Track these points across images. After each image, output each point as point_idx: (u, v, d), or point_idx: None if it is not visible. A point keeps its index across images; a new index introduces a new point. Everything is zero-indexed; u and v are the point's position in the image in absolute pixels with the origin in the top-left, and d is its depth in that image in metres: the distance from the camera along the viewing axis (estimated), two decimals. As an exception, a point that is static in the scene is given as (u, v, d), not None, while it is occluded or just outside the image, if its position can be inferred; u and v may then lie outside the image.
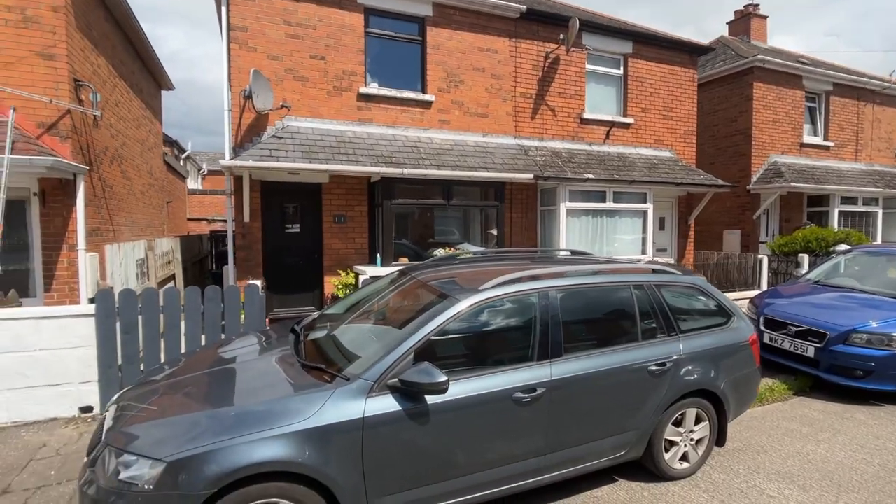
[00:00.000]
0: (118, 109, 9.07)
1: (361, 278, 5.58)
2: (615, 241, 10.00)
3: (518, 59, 9.61)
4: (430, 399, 2.81)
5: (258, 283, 5.31)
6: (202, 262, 15.51)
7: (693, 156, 11.68)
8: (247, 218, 7.70)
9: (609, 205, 9.81)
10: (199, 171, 28.33)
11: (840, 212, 13.00)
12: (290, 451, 2.50)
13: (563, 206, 9.32)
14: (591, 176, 9.20)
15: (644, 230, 10.25)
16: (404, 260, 8.13)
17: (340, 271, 8.22)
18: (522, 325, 3.30)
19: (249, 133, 7.72)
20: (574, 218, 9.48)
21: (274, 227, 8.14)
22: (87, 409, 4.69)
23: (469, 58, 9.16)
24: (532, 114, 9.84)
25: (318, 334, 3.69)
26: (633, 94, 10.82)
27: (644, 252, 10.30)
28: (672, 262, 10.81)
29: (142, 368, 4.78)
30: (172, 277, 10.82)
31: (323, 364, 3.02)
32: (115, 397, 3.19)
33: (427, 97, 8.80)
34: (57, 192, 6.70)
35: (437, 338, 2.97)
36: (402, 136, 8.59)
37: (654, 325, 3.66)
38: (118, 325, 4.66)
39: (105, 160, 8.23)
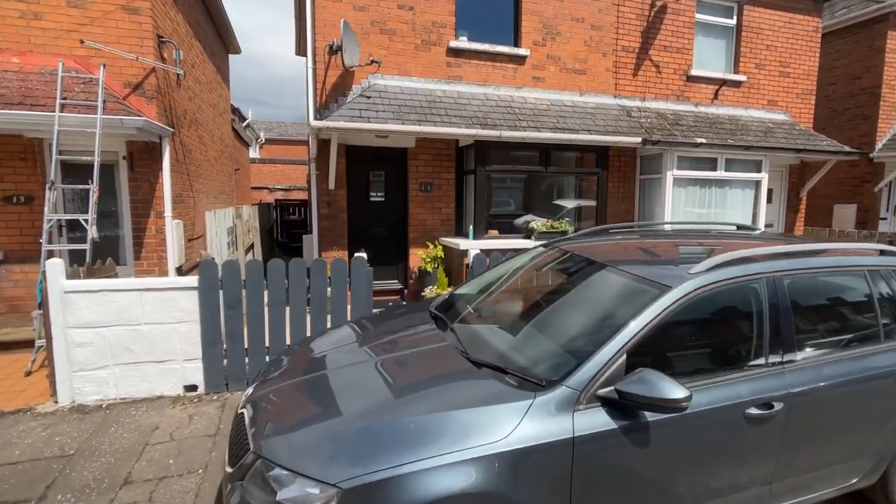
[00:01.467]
0: (194, 71, 8.72)
1: (472, 254, 4.99)
2: (724, 215, 8.94)
3: (621, 6, 8.51)
4: (651, 415, 2.17)
5: (363, 255, 4.80)
6: (269, 231, 15.48)
7: (810, 119, 10.27)
8: (332, 185, 7.22)
9: (720, 173, 8.72)
10: (256, 139, 28.48)
11: (982, 184, 11.23)
12: (487, 479, 1.94)
13: (670, 175, 8.33)
14: (703, 140, 8.14)
15: (756, 203, 9.12)
16: (494, 232, 7.48)
17: (429, 243, 7.67)
18: (747, 320, 2.58)
19: (334, 93, 7.16)
20: (680, 188, 8.48)
21: (358, 195, 7.65)
22: (191, 388, 4.38)
23: (567, 6, 8.16)
24: (634, 70, 8.77)
25: (472, 322, 3.11)
26: (746, 48, 9.49)
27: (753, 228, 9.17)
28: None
29: (245, 347, 4.41)
30: (251, 247, 10.65)
31: (497, 362, 2.43)
32: (248, 392, 2.73)
33: (521, 51, 7.93)
34: (144, 155, 6.41)
35: (646, 335, 2.31)
36: (495, 95, 7.80)
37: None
38: (221, 299, 4.28)
39: (184, 124, 7.92)
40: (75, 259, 6.00)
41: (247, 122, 22.46)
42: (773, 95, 9.83)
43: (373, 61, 7.04)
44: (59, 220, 6.02)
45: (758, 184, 9.03)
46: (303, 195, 21.65)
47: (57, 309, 3.97)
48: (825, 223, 12.04)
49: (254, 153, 26.71)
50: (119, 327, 4.13)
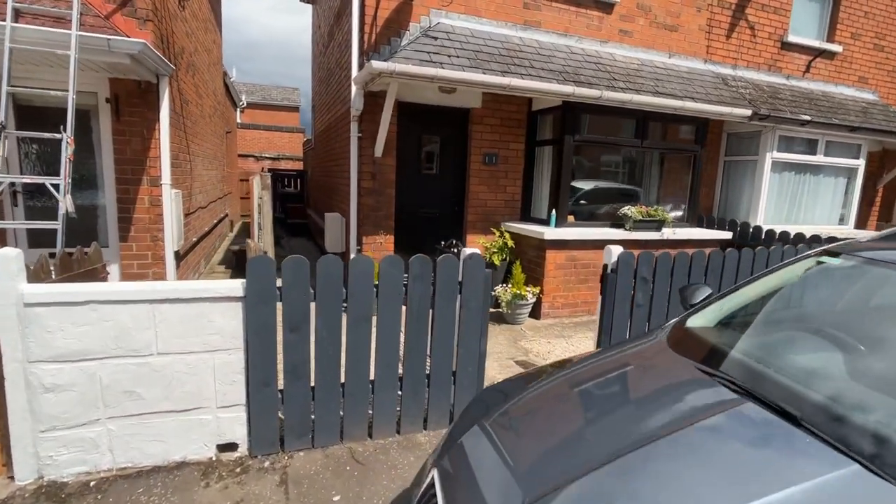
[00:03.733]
0: (191, 2, 6.87)
1: (614, 252, 3.59)
2: (815, 207, 7.79)
3: (721, -49, 7.08)
4: None
5: (476, 250, 3.33)
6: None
7: (897, 101, 9.16)
8: (379, 152, 5.65)
9: (819, 158, 7.53)
10: (238, 103, 26.03)
11: None
12: None
13: (769, 157, 7.07)
14: (808, 118, 6.88)
15: (847, 193, 7.99)
16: (571, 219, 6.08)
17: (493, 230, 6.22)
18: None
19: (386, 31, 5.53)
20: (775, 174, 7.25)
21: (409, 165, 6.10)
22: (228, 447, 2.88)
23: (664, -56, 6.67)
24: (728, 31, 7.40)
25: (791, 381, 1.73)
26: (845, 13, 8.23)
27: (844, 222, 8.09)
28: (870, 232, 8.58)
29: (312, 385, 2.92)
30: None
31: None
32: (436, 454, 1.32)
33: (610, -4, 6.44)
34: (135, 100, 4.69)
35: None
36: (578, 48, 6.30)
37: None
38: (280, 314, 2.76)
39: (182, 65, 6.15)
40: (39, 242, 4.33)
41: (232, 80, 20.17)
42: (864, 71, 8.65)
43: (442, -10, 5.43)
44: (14, 183, 4.31)
45: (853, 171, 7.88)
46: (293, 165, 19.69)
47: (12, 332, 2.39)
48: (888, 218, 11.12)
49: (237, 118, 24.36)
50: (117, 360, 2.57)
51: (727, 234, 6.57)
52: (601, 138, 6.03)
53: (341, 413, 3.01)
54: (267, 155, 19.60)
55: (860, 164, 7.84)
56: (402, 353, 3.12)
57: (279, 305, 2.76)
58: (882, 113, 8.24)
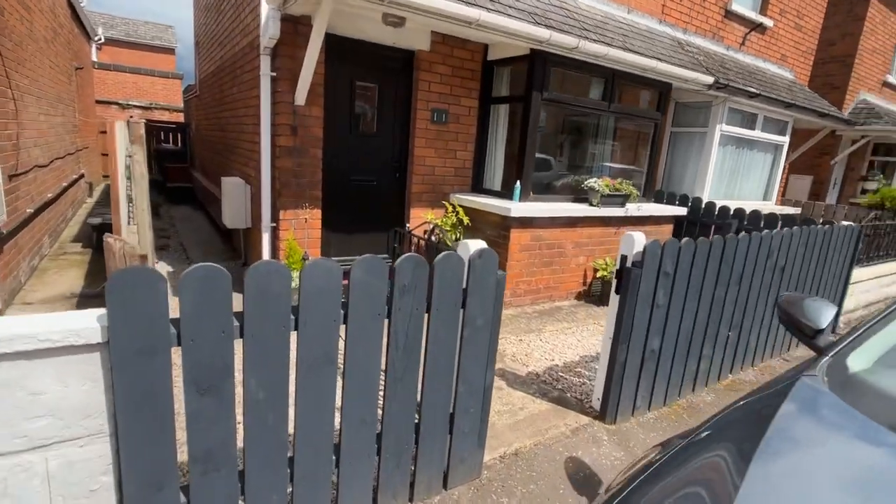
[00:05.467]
0: None
1: (637, 241, 2.77)
2: (746, 183, 7.83)
3: None
4: None
5: (483, 244, 2.29)
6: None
7: (806, 81, 9.57)
8: (301, 100, 4.28)
9: (757, 133, 7.49)
10: (94, 37, 21.39)
11: (910, 164, 11.92)
12: None
13: (719, 130, 6.83)
14: (756, 91, 6.70)
15: (773, 169, 8.16)
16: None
17: (445, 203, 5.19)
18: None
19: (311, -68, 4.08)
20: (721, 147, 7.06)
21: (339, 120, 4.78)
22: None
23: None
24: (682, -10, 6.91)
25: None
26: (777, -13, 8.21)
27: (767, 198, 8.30)
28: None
29: (240, 469, 1.76)
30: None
31: None
32: None
33: (577, -70, 5.51)
34: None
35: None
36: (542, -11, 5.34)
37: None
38: (181, 366, 1.54)
39: (-9, -49, 4.13)
40: None
41: (82, 4, 16.35)
42: (786, 49, 8.82)
43: None
44: None
45: (779, 148, 8.04)
46: (172, 118, 16.61)
47: None
48: (784, 194, 11.96)
49: (93, 54, 20.06)
50: None
51: (682, 210, 6.23)
52: (570, 98, 5.19)
53: (289, 506, 1.90)
54: (135, 103, 16.27)
55: (786, 140, 8.00)
56: (380, 399, 2.05)
57: (177, 352, 1.54)
58: (801, 92, 8.47)
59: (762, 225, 5.72)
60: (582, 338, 4.42)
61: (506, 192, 5.21)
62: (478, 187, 5.54)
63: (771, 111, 7.39)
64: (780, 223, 5.59)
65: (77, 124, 8.85)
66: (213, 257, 6.21)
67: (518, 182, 4.89)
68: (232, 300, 1.59)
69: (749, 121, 7.32)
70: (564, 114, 5.58)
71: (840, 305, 5.08)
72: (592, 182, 5.26)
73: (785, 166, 9.61)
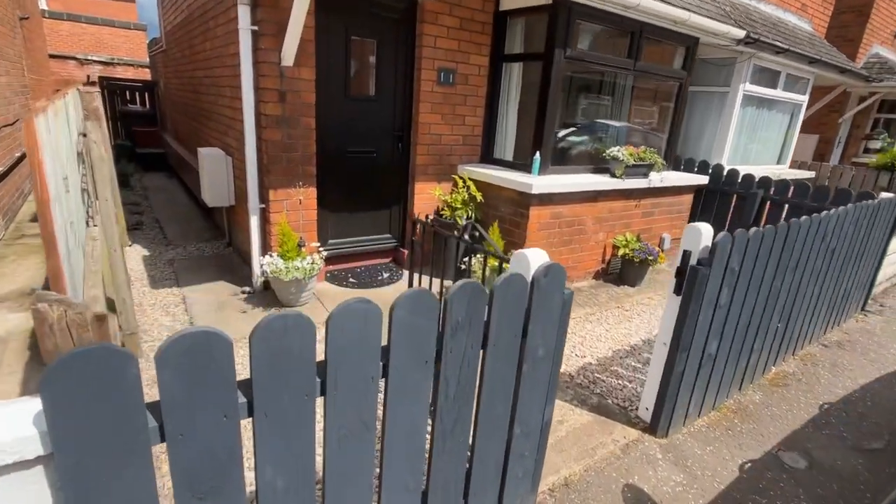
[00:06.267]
0: None
1: (705, 234, 2.33)
2: (762, 146, 7.40)
3: None
4: None
5: (545, 256, 1.81)
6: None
7: (824, 34, 9.01)
8: (289, 59, 3.63)
9: (778, 92, 6.99)
10: (42, -17, 19.39)
11: (916, 122, 11.58)
12: None
13: (742, 90, 6.31)
14: (784, 46, 6.15)
15: (789, 131, 7.73)
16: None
17: (455, 177, 4.67)
18: None
19: None
20: (741, 109, 6.56)
21: (333, 83, 4.14)
22: None
23: None
24: (708, -70, 6.18)
25: None
26: (803, -73, 7.49)
27: (782, 161, 7.90)
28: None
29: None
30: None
31: None
32: None
33: None
34: None
35: None
36: (562, -75, 4.62)
37: None
38: (169, 462, 1.09)
39: None
40: None
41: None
42: (805, -2, 8.20)
43: None
44: None
45: (797, 108, 7.57)
46: (138, 74, 15.31)
47: None
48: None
49: (42, 2, 18.28)
50: None
51: (704, 179, 5.79)
52: (595, 56, 4.59)
53: None
54: (95, 58, 14.89)
55: (805, 100, 7.54)
56: (426, 457, 1.63)
57: (154, 453, 1.07)
58: (822, 46, 7.94)
59: (790, 195, 5.32)
60: (609, 327, 4.05)
61: (520, 163, 4.69)
62: (488, 157, 4.99)
63: (794, 68, 6.88)
64: (810, 192, 5.20)
65: (28, 84, 7.89)
66: (194, 237, 5.62)
67: (538, 153, 4.36)
68: (235, 372, 1.11)
69: (771, 79, 6.80)
70: (585, 73, 4.99)
71: (875, 277, 4.80)
72: (616, 151, 4.76)
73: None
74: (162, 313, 3.70)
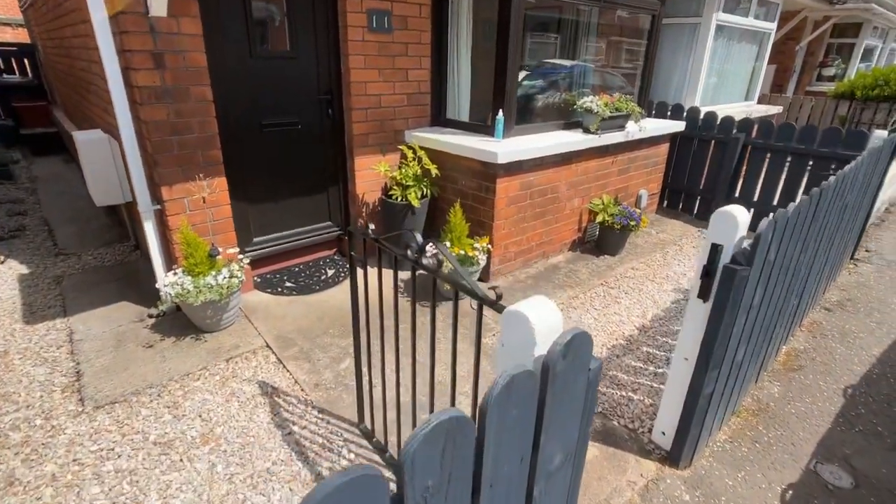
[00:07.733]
0: None
1: (741, 221, 1.74)
2: (731, 83, 6.87)
3: None
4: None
5: (548, 301, 1.16)
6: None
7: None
8: (159, 9, 2.64)
9: (750, 20, 6.39)
10: None
11: (868, 47, 11.37)
12: None
13: (714, 19, 5.66)
14: (757, -34, 5.48)
15: (756, 64, 7.22)
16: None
17: (401, 148, 3.85)
18: None
19: None
20: (713, 42, 5.93)
21: (231, 36, 3.16)
22: None
23: None
24: None
25: None
26: None
27: (750, 97, 7.44)
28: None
29: None
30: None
31: None
32: None
33: None
34: None
35: None
36: None
37: None
38: None
39: None
40: None
41: None
42: (771, -88, 7.46)
43: None
44: None
45: (765, 37, 7.03)
46: (14, 35, 13.01)
47: None
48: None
49: None
50: None
51: (681, 125, 5.20)
52: (559, -14, 3.78)
53: None
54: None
55: (773, 28, 6.98)
56: None
57: None
58: (788, -34, 7.32)
59: (774, 139, 4.83)
60: (598, 314, 3.50)
61: (479, 125, 3.92)
62: (440, 119, 4.18)
63: (766, -9, 6.27)
64: (795, 133, 4.72)
65: None
66: (93, 240, 4.60)
67: (500, 111, 3.59)
68: None
69: (744, 6, 6.17)
70: (548, 9, 4.17)
71: (865, 223, 4.49)
72: (589, 102, 4.05)
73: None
74: (36, 363, 2.82)
